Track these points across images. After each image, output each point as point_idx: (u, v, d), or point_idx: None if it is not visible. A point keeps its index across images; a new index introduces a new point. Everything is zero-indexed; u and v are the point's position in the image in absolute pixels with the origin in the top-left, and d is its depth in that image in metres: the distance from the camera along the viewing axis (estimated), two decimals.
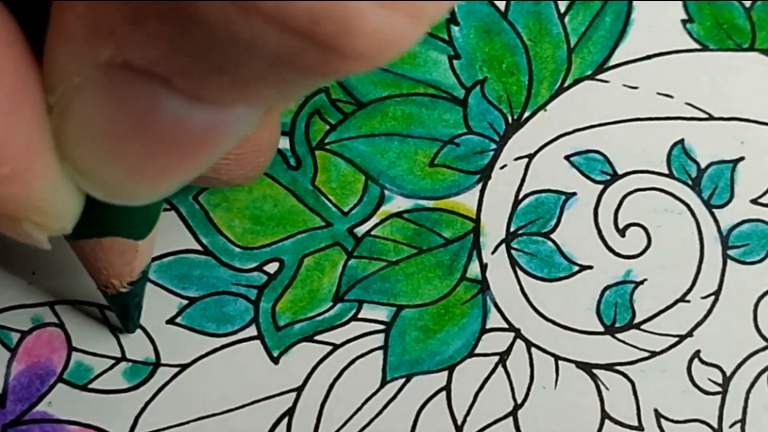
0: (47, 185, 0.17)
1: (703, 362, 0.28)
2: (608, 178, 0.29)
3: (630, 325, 0.28)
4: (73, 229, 0.19)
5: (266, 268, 0.27)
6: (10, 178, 0.16)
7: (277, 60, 0.14)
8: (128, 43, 0.15)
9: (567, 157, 0.29)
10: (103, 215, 0.21)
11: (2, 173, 0.16)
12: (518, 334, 0.28)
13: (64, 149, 0.17)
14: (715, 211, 0.29)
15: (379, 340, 0.27)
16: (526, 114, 0.29)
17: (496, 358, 0.27)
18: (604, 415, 0.27)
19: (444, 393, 0.27)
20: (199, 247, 0.27)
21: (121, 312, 0.26)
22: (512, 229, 0.28)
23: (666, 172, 0.29)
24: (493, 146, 0.29)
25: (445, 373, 0.27)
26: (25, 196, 0.17)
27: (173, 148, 0.16)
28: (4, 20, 0.16)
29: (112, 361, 0.27)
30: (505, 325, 0.28)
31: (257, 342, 0.27)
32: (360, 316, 0.27)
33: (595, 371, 0.28)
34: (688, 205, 0.29)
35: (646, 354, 0.28)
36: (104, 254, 0.23)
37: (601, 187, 0.29)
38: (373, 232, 0.28)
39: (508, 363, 0.27)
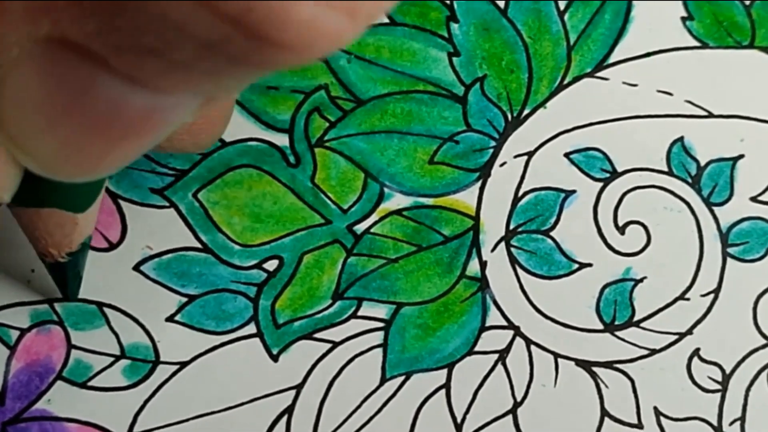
0: None
1: (702, 360, 0.28)
2: (608, 175, 0.29)
3: (629, 323, 0.28)
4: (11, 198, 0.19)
5: (266, 265, 0.27)
6: None
7: (207, 46, 0.14)
8: (64, 17, 0.15)
9: (566, 155, 0.29)
10: (41, 187, 0.20)
11: None
12: (518, 331, 0.28)
13: (1, 120, 0.17)
14: (714, 208, 0.29)
15: (378, 337, 0.27)
16: (526, 111, 0.29)
17: (495, 356, 0.27)
18: (604, 413, 0.27)
19: (443, 391, 0.27)
20: (198, 245, 0.27)
21: (59, 280, 0.25)
22: (512, 226, 0.28)
23: (666, 169, 0.29)
24: (493, 144, 0.29)
25: (445, 371, 0.27)
26: None
27: (109, 129, 0.16)
28: None
29: (112, 359, 0.27)
30: (505, 323, 0.28)
31: (256, 340, 0.27)
32: (359, 313, 0.27)
33: (595, 369, 0.28)
34: (687, 203, 0.29)
35: (646, 352, 0.28)
36: (42, 224, 0.23)
37: (600, 184, 0.29)
38: (372, 230, 0.28)
39: (507, 361, 0.27)
